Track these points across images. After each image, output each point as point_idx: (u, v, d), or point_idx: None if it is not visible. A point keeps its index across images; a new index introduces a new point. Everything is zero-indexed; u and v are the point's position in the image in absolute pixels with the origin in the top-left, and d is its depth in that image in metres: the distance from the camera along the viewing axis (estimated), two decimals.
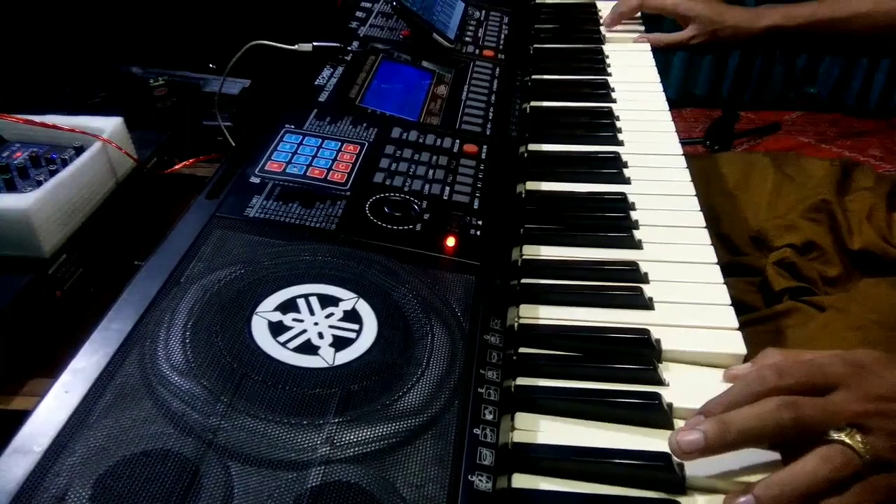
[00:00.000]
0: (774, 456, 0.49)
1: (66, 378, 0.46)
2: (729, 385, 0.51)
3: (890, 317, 0.76)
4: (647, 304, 0.62)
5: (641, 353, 0.57)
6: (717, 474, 0.48)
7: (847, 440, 0.46)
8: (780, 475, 0.46)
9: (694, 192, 0.76)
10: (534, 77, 1.02)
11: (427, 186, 0.68)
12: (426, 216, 0.65)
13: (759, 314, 0.83)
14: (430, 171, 0.71)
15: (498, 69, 0.95)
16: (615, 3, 1.18)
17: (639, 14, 1.19)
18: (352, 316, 0.53)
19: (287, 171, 0.67)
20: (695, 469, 0.48)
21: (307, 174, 0.67)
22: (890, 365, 0.50)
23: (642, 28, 1.18)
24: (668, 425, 0.52)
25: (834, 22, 0.99)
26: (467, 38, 1.01)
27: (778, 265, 0.87)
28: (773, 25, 1.01)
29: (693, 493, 0.47)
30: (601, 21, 1.20)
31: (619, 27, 1.16)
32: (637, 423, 0.52)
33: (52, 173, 0.66)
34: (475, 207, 0.67)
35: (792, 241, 0.88)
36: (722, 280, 0.65)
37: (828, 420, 0.47)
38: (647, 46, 1.11)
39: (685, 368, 0.57)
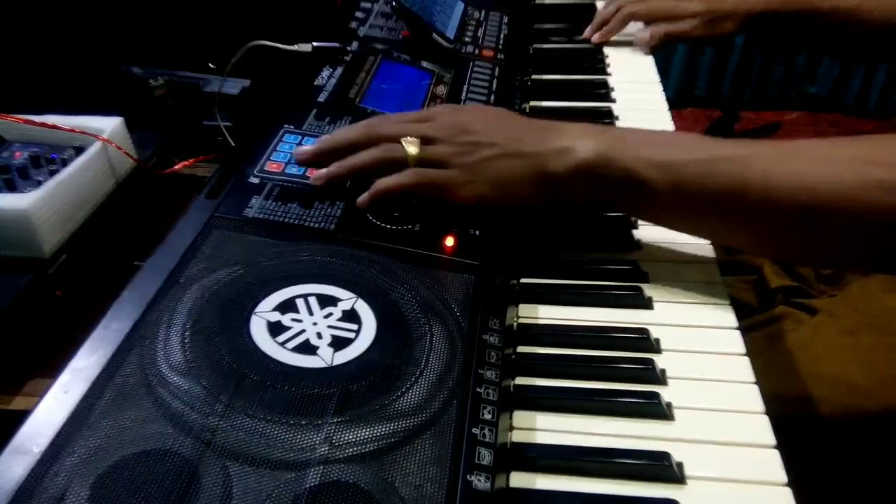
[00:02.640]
0: (773, 453, 0.49)
1: (65, 378, 0.46)
2: None
3: (880, 320, 0.76)
4: (646, 304, 0.62)
5: (640, 353, 0.57)
6: (717, 472, 0.48)
7: (403, 143, 0.62)
8: (346, 159, 0.63)
9: None
10: (533, 77, 1.02)
11: None
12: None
13: (752, 320, 0.83)
14: None
15: (497, 69, 0.95)
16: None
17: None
18: (350, 316, 0.53)
19: (286, 171, 0.67)
20: (694, 468, 0.48)
21: (306, 174, 0.67)
22: (495, 119, 0.64)
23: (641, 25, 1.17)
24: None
25: (819, 11, 0.98)
26: (467, 39, 1.01)
27: (774, 263, 0.87)
28: (766, 9, 1.01)
29: (691, 490, 0.47)
30: None
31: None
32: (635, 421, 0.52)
33: (52, 173, 0.66)
34: None
35: None
36: (721, 279, 0.65)
37: (397, 133, 0.62)
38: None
39: (684, 367, 0.57)
